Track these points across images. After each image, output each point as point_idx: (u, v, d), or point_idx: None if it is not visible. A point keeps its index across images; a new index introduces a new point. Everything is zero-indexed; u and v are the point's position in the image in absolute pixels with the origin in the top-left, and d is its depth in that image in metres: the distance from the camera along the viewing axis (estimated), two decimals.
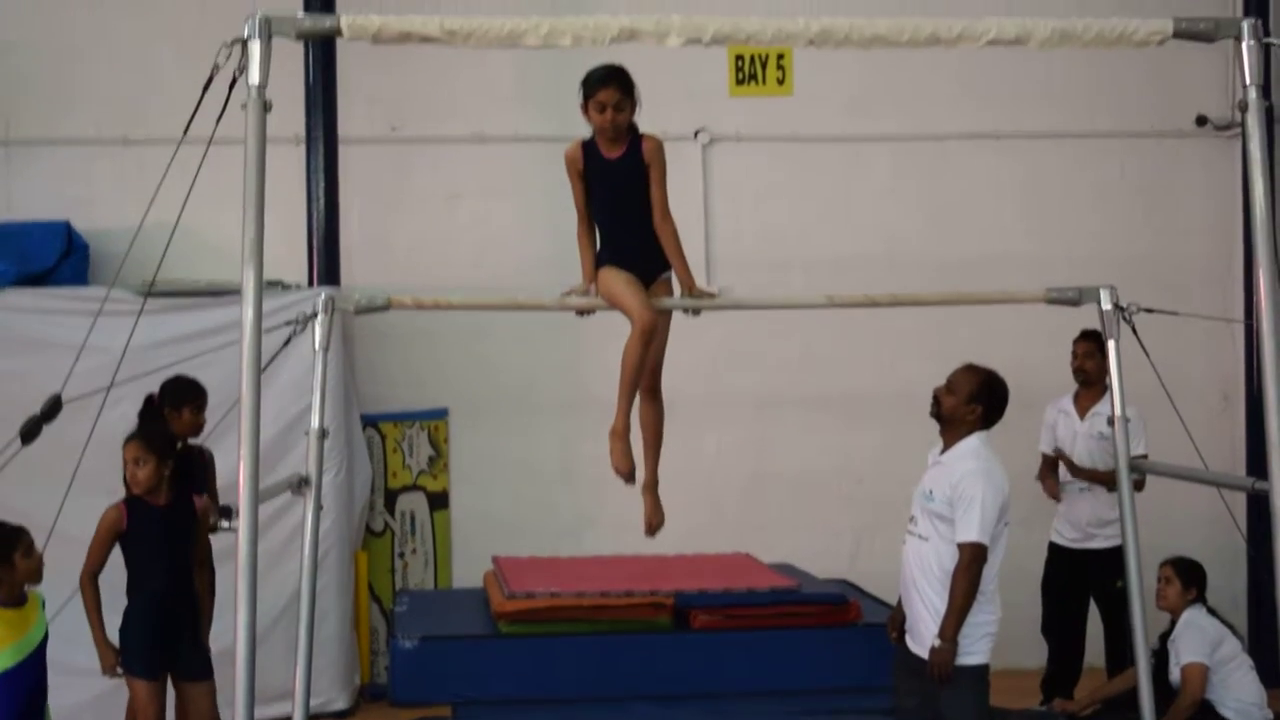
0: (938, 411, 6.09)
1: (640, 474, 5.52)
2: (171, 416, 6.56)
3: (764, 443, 9.42)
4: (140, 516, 6.29)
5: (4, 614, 5.78)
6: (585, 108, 5.31)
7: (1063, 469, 8.00)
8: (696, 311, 5.58)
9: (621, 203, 5.42)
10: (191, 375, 6.65)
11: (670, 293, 5.52)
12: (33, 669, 5.79)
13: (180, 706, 6.47)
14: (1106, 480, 7.38)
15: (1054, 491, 8.05)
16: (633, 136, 5.39)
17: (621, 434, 5.43)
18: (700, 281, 5.66)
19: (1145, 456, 7.53)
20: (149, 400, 6.59)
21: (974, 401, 5.98)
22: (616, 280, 5.36)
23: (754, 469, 9.37)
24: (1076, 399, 8.02)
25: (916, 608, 5.89)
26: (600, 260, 5.45)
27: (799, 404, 9.35)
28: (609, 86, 5.23)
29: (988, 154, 9.61)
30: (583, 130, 5.48)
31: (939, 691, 5.77)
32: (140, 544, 6.32)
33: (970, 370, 6.14)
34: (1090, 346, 7.69)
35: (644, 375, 5.46)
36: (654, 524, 5.60)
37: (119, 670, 6.24)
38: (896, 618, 6.22)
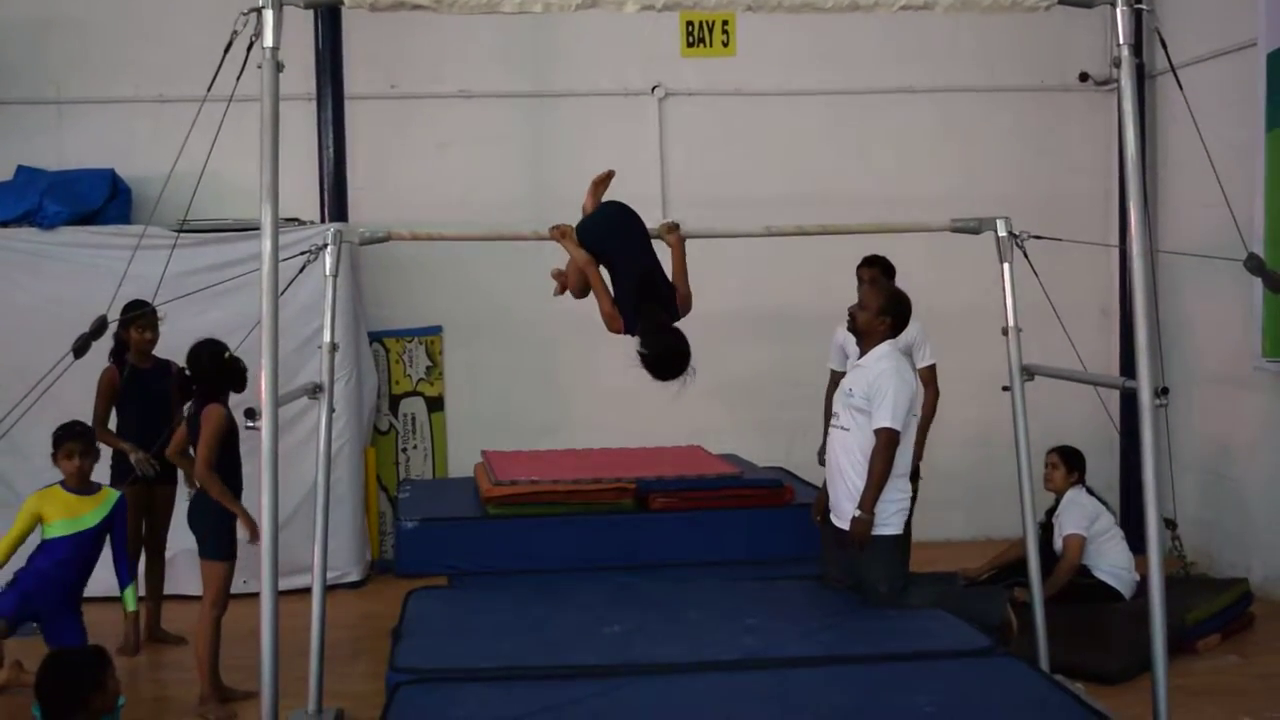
0: (854, 325, 6.11)
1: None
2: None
3: (714, 354, 9.26)
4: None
5: (65, 495, 5.94)
6: None
7: None
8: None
9: None
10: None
11: None
12: (71, 547, 5.90)
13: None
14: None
15: None
16: None
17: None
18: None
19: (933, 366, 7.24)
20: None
21: (883, 315, 5.99)
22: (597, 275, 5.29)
23: (706, 376, 9.31)
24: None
25: (840, 489, 5.93)
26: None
27: (744, 321, 9.33)
28: None
29: (904, 105, 9.57)
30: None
31: (860, 559, 5.84)
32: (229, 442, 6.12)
33: (878, 289, 6.16)
34: (874, 273, 7.17)
35: None
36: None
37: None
38: (820, 502, 6.26)
